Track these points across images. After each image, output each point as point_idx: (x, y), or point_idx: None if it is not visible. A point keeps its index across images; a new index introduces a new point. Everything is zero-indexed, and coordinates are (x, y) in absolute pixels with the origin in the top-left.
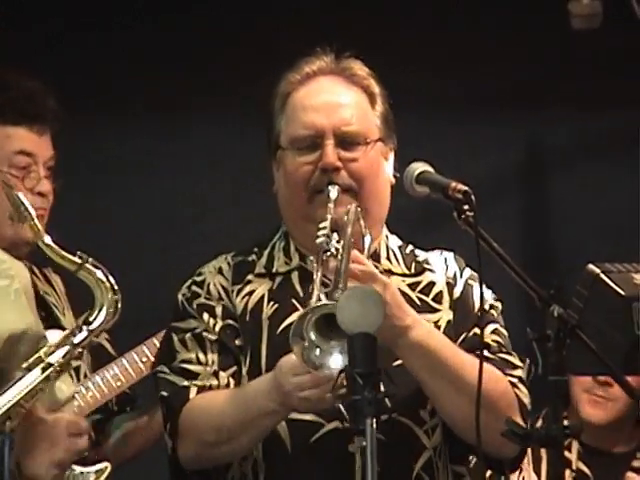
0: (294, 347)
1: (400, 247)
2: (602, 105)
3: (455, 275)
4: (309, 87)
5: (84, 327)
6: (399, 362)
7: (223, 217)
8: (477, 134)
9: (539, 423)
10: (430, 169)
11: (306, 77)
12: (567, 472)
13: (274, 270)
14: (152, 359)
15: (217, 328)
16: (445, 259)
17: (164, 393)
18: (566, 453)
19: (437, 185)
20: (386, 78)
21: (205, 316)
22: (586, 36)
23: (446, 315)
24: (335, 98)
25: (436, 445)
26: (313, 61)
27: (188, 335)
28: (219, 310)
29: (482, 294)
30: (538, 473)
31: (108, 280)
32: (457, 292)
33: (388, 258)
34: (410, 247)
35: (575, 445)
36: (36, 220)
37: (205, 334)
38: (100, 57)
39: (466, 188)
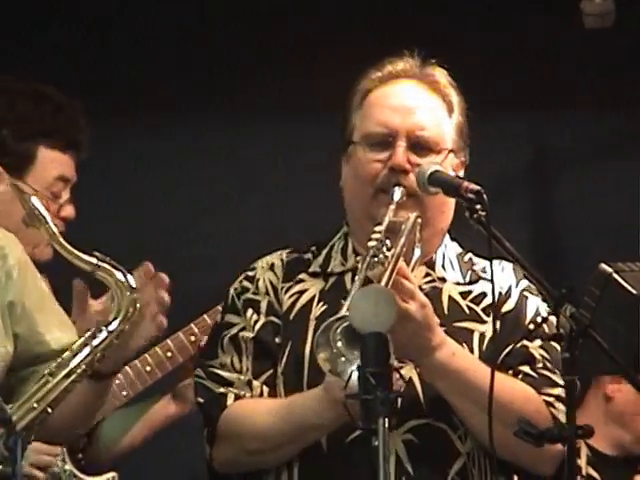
0: (320, 354)
1: (459, 255)
2: (611, 105)
3: (510, 287)
4: (389, 87)
5: (104, 328)
6: None
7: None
8: (486, 135)
9: None
10: (442, 169)
11: (388, 77)
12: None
13: (329, 270)
14: None
15: (258, 325)
16: (502, 269)
17: (200, 400)
18: None
19: (449, 185)
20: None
21: (249, 312)
22: (597, 35)
23: (489, 330)
24: (413, 101)
25: (469, 451)
26: (397, 62)
27: (227, 338)
28: (264, 305)
29: (493, 299)
30: None
31: (126, 280)
32: (510, 304)
33: (443, 266)
34: (469, 255)
35: (584, 450)
36: (50, 223)
37: (243, 334)
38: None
39: (478, 188)
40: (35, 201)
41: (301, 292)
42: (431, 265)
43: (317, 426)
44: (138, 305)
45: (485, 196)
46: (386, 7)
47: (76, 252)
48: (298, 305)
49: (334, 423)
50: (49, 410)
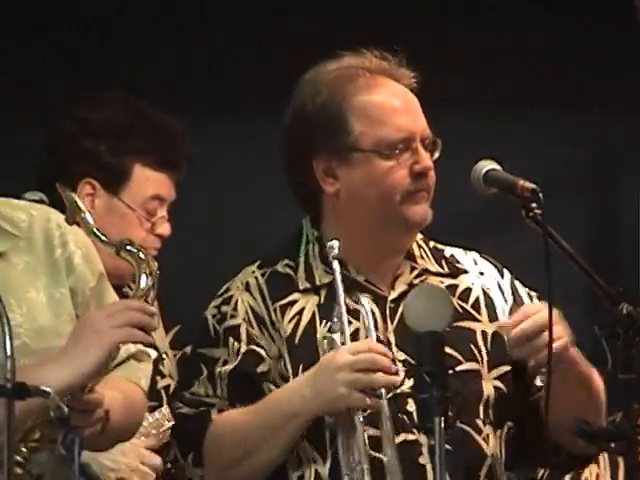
0: None
1: (422, 241)
2: None
3: (498, 282)
4: (383, 87)
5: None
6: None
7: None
8: (543, 132)
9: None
10: (497, 167)
11: (370, 76)
12: None
13: (318, 283)
14: None
15: (239, 355)
16: (474, 260)
17: (180, 427)
18: None
19: (505, 183)
20: (448, 77)
21: (230, 341)
22: None
23: (488, 328)
24: (414, 100)
25: (493, 452)
26: (363, 60)
27: (204, 375)
28: (243, 331)
29: (550, 292)
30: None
31: (147, 260)
32: (509, 298)
33: (422, 256)
34: (432, 242)
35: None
36: (86, 215)
37: (221, 370)
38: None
39: (534, 186)
40: (73, 195)
41: (300, 312)
42: (411, 256)
43: (291, 414)
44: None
45: (541, 195)
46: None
47: (104, 238)
48: (301, 327)
49: (308, 412)
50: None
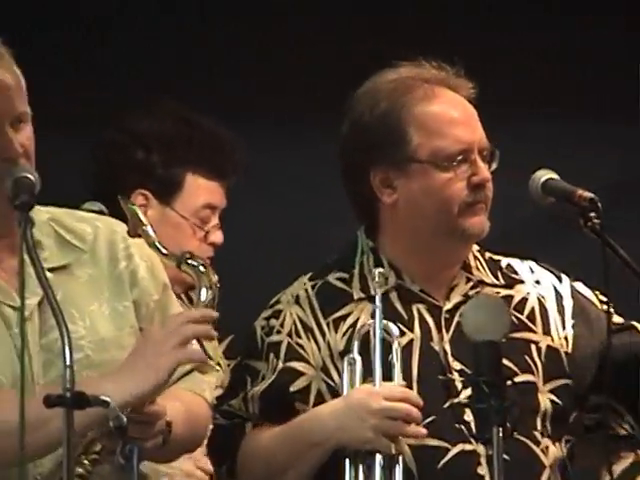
0: None
1: (479, 252)
2: None
3: (556, 288)
4: (442, 98)
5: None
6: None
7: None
8: (597, 139)
9: None
10: (555, 176)
11: (428, 86)
12: None
13: (372, 292)
14: None
15: (276, 371)
16: (530, 269)
17: (216, 439)
18: None
19: (563, 193)
20: (505, 85)
21: (270, 356)
22: None
23: (543, 340)
24: (471, 111)
25: (551, 464)
26: (422, 70)
27: (247, 388)
28: (284, 347)
29: (608, 303)
30: None
31: (208, 274)
32: (568, 303)
33: (478, 267)
34: (488, 253)
35: None
36: (147, 227)
37: (253, 391)
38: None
39: (592, 195)
40: (135, 208)
41: (353, 324)
42: (467, 267)
43: (316, 442)
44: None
45: (599, 204)
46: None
47: (170, 252)
48: (357, 338)
49: (334, 443)
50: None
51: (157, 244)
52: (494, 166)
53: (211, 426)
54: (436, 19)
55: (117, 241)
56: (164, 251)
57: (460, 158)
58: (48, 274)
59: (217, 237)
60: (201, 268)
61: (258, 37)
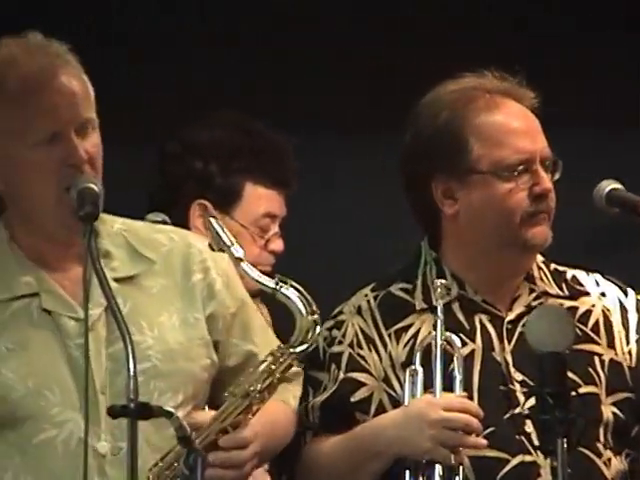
0: None
1: (544, 264)
2: None
3: (620, 300)
4: (502, 109)
5: (284, 351)
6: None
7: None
8: None
9: None
10: (619, 186)
11: (489, 96)
12: None
13: (434, 302)
14: None
15: (337, 381)
16: (596, 281)
17: None
18: None
19: (628, 203)
20: (566, 94)
21: (332, 367)
22: None
23: (606, 353)
24: (533, 121)
25: (613, 477)
26: (484, 81)
27: (309, 398)
28: (344, 359)
29: None
30: None
31: (307, 301)
32: (633, 316)
33: (542, 279)
34: (553, 264)
35: None
36: (233, 248)
37: (313, 402)
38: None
39: None
40: (218, 226)
41: (415, 335)
42: (531, 278)
43: (375, 453)
44: (318, 328)
45: None
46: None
47: (257, 277)
48: (418, 349)
49: (392, 453)
50: (228, 429)
51: (245, 267)
52: (557, 176)
53: None
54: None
55: (193, 254)
56: (252, 274)
57: (521, 168)
58: (115, 284)
59: (277, 245)
60: (297, 302)
61: (320, 45)
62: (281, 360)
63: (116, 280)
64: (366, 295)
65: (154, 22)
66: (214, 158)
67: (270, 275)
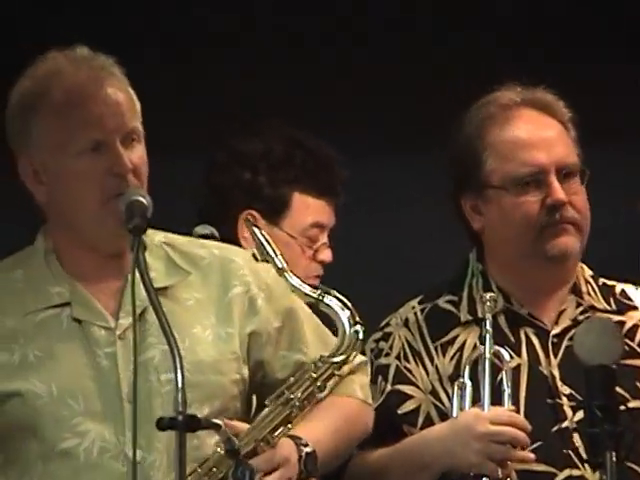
0: None
1: (592, 278)
2: None
3: None
4: (516, 121)
5: (325, 360)
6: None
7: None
8: None
9: None
10: None
11: (505, 110)
12: None
13: (480, 315)
14: None
15: (384, 393)
16: None
17: None
18: None
19: None
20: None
21: (379, 379)
22: None
23: None
24: (548, 132)
25: None
26: (505, 94)
27: None
28: (392, 371)
29: None
30: None
31: (349, 311)
32: None
33: (589, 293)
34: (601, 279)
35: None
36: (276, 259)
37: None
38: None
39: None
40: (261, 236)
41: (461, 348)
42: (578, 292)
43: (422, 466)
44: (360, 337)
45: None
46: None
47: (301, 287)
48: (463, 363)
49: (439, 466)
50: (270, 440)
51: (287, 275)
52: (577, 186)
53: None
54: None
55: (233, 269)
56: (294, 283)
57: (530, 180)
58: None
59: (326, 255)
60: (340, 313)
61: (368, 61)
62: (322, 369)
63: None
64: (413, 307)
65: (202, 39)
66: (262, 168)
67: (316, 286)
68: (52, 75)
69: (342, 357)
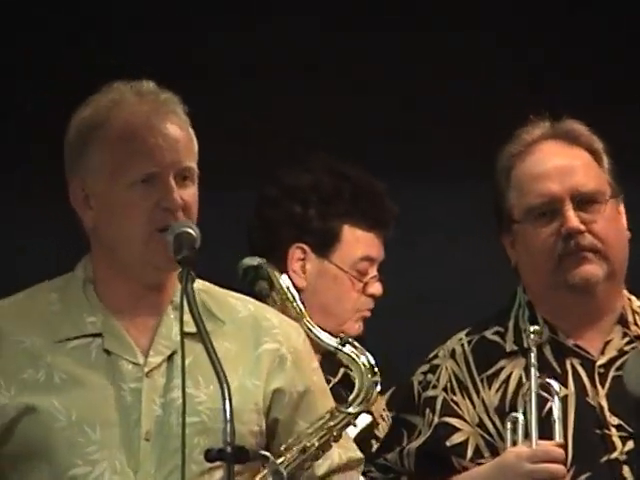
0: None
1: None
2: None
3: None
4: (534, 155)
5: (342, 410)
6: None
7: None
8: None
9: None
10: None
11: (527, 146)
12: None
13: (525, 346)
14: None
15: (432, 425)
16: None
17: None
18: None
19: None
20: None
21: (427, 411)
22: None
23: None
24: (564, 161)
25: None
26: (531, 129)
27: (403, 442)
28: (439, 403)
29: None
30: None
31: (368, 363)
32: None
33: (636, 323)
34: None
35: None
36: (297, 302)
37: (409, 447)
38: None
39: None
40: (284, 280)
41: (506, 380)
42: (624, 322)
43: None
44: (378, 389)
45: None
46: None
47: (319, 334)
48: (508, 396)
49: None
50: None
51: (308, 324)
52: (597, 214)
53: None
54: None
55: (266, 327)
56: (313, 329)
57: (545, 211)
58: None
59: (376, 289)
60: (358, 362)
61: (404, 85)
62: (338, 418)
63: (185, 334)
64: (460, 339)
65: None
66: (312, 202)
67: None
68: (114, 105)
69: (359, 408)
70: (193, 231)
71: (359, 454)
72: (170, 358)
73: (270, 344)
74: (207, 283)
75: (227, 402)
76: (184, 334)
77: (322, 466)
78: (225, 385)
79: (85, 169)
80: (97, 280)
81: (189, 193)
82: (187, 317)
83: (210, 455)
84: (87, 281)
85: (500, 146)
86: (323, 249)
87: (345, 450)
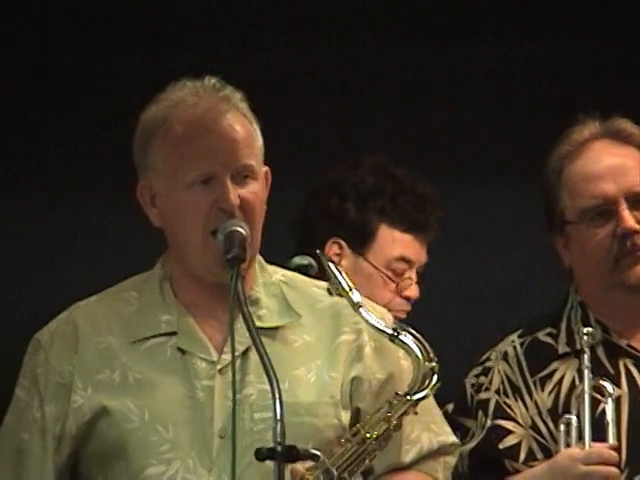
0: None
1: None
2: None
3: None
4: (586, 155)
5: (402, 398)
6: None
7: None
8: None
9: None
10: None
11: (578, 146)
12: None
13: (578, 347)
14: None
15: (485, 428)
16: None
17: None
18: None
19: None
20: None
21: (480, 414)
22: None
23: None
24: (617, 161)
25: None
26: (581, 129)
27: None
28: (492, 406)
29: None
30: None
31: (425, 349)
32: None
33: None
34: None
35: None
36: (351, 294)
37: (462, 450)
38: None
39: None
40: (336, 270)
41: (559, 382)
42: None
43: None
44: (436, 376)
45: None
46: None
47: (376, 321)
48: (561, 397)
49: None
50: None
51: (362, 311)
52: None
53: None
54: None
55: (347, 315)
56: (369, 318)
57: (600, 212)
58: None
59: (412, 291)
60: (415, 349)
61: (454, 95)
62: (397, 407)
63: (260, 329)
64: (513, 341)
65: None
66: (351, 196)
67: (406, 321)
68: (174, 104)
69: (419, 395)
70: (243, 230)
71: (452, 438)
72: (245, 354)
73: (348, 335)
74: (290, 273)
75: (277, 402)
76: (257, 329)
77: (410, 452)
78: (275, 385)
79: (150, 169)
80: (172, 278)
81: (250, 190)
82: (263, 312)
83: (260, 454)
84: (164, 279)
85: (551, 145)
86: (358, 245)
87: (435, 435)
